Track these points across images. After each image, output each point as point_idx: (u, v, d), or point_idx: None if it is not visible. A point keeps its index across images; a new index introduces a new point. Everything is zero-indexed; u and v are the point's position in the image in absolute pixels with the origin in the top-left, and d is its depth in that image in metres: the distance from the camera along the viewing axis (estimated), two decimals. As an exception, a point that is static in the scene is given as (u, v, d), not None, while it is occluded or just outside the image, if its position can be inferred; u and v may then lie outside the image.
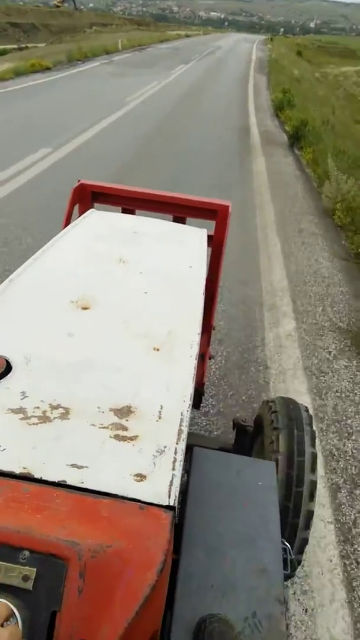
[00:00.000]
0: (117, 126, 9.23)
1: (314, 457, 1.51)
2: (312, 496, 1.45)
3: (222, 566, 0.98)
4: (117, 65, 19.03)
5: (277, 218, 5.66)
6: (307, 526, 1.43)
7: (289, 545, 1.18)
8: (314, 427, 1.82)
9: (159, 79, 15.82)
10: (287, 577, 1.48)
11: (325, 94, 23.23)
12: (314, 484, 1.47)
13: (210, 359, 2.43)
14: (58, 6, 48.94)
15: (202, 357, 2.12)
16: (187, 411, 0.89)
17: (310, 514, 1.44)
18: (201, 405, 2.55)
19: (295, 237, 5.22)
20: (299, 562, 1.50)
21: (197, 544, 1.01)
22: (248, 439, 1.88)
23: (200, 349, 1.71)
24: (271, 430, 1.61)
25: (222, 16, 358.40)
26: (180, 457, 0.80)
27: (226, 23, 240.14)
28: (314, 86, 24.44)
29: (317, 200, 6.40)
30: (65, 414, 0.84)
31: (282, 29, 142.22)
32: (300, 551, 1.44)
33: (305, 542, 1.44)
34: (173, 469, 0.77)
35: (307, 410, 1.68)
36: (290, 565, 1.17)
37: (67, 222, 1.84)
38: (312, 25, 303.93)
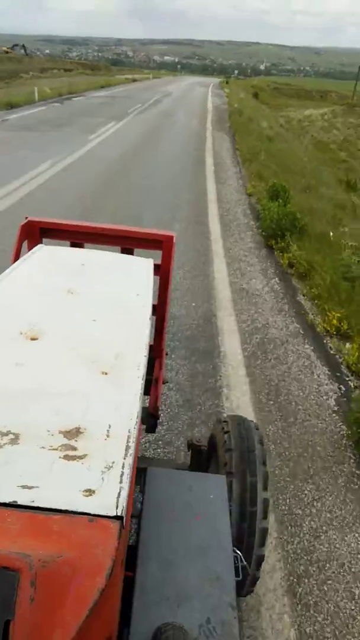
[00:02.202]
0: None
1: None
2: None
3: (176, 578, 1.02)
4: (8, 128, 12.71)
5: None
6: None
7: (239, 553, 1.22)
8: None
9: (59, 155, 9.52)
10: (242, 586, 1.35)
11: (309, 156, 17.66)
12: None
13: (164, 383, 2.32)
14: (7, 52, 46.48)
15: (156, 382, 2.09)
16: (135, 428, 0.92)
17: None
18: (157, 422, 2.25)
19: None
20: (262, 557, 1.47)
21: (151, 559, 1.05)
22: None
23: (154, 373, 2.08)
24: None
25: (176, 60, 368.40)
26: (128, 470, 0.83)
27: (179, 66, 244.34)
28: (292, 145, 18.96)
29: None
30: (15, 439, 0.86)
31: (236, 71, 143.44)
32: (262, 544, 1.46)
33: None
34: (121, 482, 0.80)
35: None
36: (242, 572, 1.20)
37: (16, 258, 1.82)
38: (262, 67, 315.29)
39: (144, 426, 2.06)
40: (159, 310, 2.08)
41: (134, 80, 44.05)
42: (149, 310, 1.43)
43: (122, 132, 13.41)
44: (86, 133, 12.60)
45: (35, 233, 2.01)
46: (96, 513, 0.73)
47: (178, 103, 24.89)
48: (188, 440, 1.89)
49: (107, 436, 0.89)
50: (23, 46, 51.83)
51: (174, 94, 31.27)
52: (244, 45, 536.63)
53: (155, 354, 2.13)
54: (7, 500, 0.74)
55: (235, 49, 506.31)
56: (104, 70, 59.18)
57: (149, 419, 2.02)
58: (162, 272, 2.03)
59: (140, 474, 1.30)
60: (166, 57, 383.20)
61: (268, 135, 16.77)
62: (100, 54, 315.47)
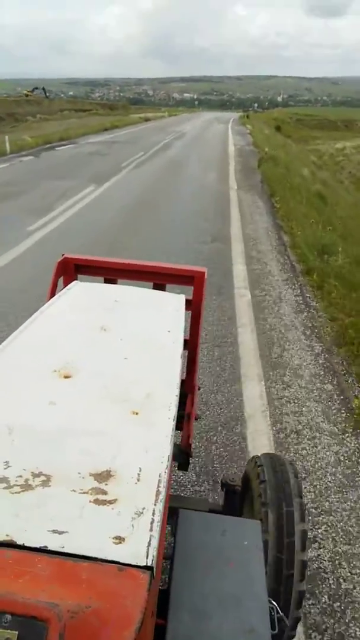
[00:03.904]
0: None
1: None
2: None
3: (209, 628, 0.99)
4: None
5: None
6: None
7: (275, 604, 1.16)
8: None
9: None
10: (280, 637, 1.28)
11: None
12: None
13: (196, 419, 2.26)
14: (28, 95, 46.04)
15: (189, 418, 2.04)
16: (165, 472, 0.91)
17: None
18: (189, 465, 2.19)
19: None
20: (298, 619, 1.42)
21: (183, 608, 1.02)
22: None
23: (186, 409, 2.04)
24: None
25: (195, 96, 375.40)
26: (159, 517, 0.81)
27: (196, 102, 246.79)
28: (345, 196, 13.89)
29: None
30: (46, 482, 0.86)
31: (255, 104, 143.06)
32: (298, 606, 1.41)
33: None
34: (151, 530, 0.78)
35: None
36: (278, 624, 1.14)
37: (52, 294, 1.88)
38: (279, 99, 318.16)
39: (176, 463, 1.99)
40: (191, 345, 2.07)
41: (147, 120, 40.26)
42: (180, 347, 1.43)
43: (96, 210, 8.39)
44: (32, 215, 7.66)
45: (70, 269, 2.04)
46: (126, 562, 0.72)
47: (192, 147, 20.16)
48: (222, 479, 1.88)
49: (138, 480, 0.88)
50: (43, 89, 51.24)
51: (188, 135, 26.78)
52: (262, 79, 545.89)
53: (187, 389, 2.11)
54: (38, 545, 0.73)
55: (252, 83, 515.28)
56: (121, 109, 57.50)
57: (182, 456, 1.95)
58: (193, 307, 2.03)
59: (172, 515, 1.25)
60: (185, 94, 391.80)
61: (318, 192, 11.63)
62: (121, 94, 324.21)
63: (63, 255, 2.05)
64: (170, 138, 23.15)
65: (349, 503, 2.54)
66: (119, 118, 38.76)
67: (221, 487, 1.87)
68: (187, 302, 1.88)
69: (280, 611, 1.16)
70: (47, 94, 54.21)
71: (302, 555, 1.40)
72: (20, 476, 0.86)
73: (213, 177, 12.32)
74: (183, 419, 2.01)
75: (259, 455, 1.79)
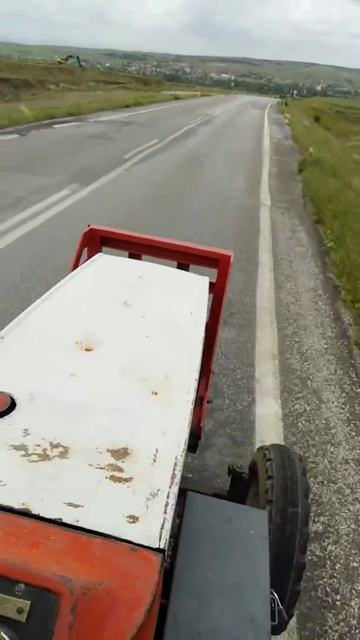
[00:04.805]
0: None
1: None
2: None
3: (210, 614, 0.99)
4: None
5: None
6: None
7: (277, 596, 1.16)
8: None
9: None
10: (276, 629, 1.25)
11: None
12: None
13: (208, 402, 2.31)
14: (60, 63, 45.32)
15: (200, 401, 2.06)
16: (181, 456, 0.91)
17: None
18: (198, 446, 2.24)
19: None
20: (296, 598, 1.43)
21: (186, 590, 1.02)
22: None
23: (199, 392, 1.96)
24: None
25: (232, 77, 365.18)
26: (173, 501, 0.81)
27: (233, 84, 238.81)
28: None
29: None
30: (64, 453, 0.86)
31: (294, 91, 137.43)
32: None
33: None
34: (165, 512, 0.78)
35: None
36: (278, 616, 1.14)
37: (76, 264, 1.86)
38: (318, 88, 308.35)
39: None
40: (210, 329, 1.96)
41: (176, 99, 36.70)
42: (202, 330, 1.41)
43: (48, 238, 5.46)
44: None
45: (95, 241, 2.03)
46: (138, 542, 0.72)
47: (219, 136, 16.94)
48: (229, 465, 1.86)
49: (154, 461, 0.88)
50: (77, 57, 49.73)
51: (217, 119, 23.43)
52: (301, 66, 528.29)
53: (202, 372, 1.98)
54: (53, 517, 0.73)
55: (291, 69, 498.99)
56: (154, 85, 54.23)
57: (191, 439, 1.87)
58: (216, 290, 1.99)
59: (180, 496, 1.14)
60: (223, 75, 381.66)
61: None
62: (158, 69, 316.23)
63: (89, 225, 2.04)
64: (197, 122, 19.91)
65: None
66: (148, 94, 35.48)
67: (228, 474, 1.85)
68: (210, 285, 1.85)
69: (280, 604, 1.15)
70: (82, 64, 52.80)
71: (301, 556, 1.41)
72: (39, 445, 0.85)
73: (239, 185, 9.27)
74: (195, 402, 1.80)
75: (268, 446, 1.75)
